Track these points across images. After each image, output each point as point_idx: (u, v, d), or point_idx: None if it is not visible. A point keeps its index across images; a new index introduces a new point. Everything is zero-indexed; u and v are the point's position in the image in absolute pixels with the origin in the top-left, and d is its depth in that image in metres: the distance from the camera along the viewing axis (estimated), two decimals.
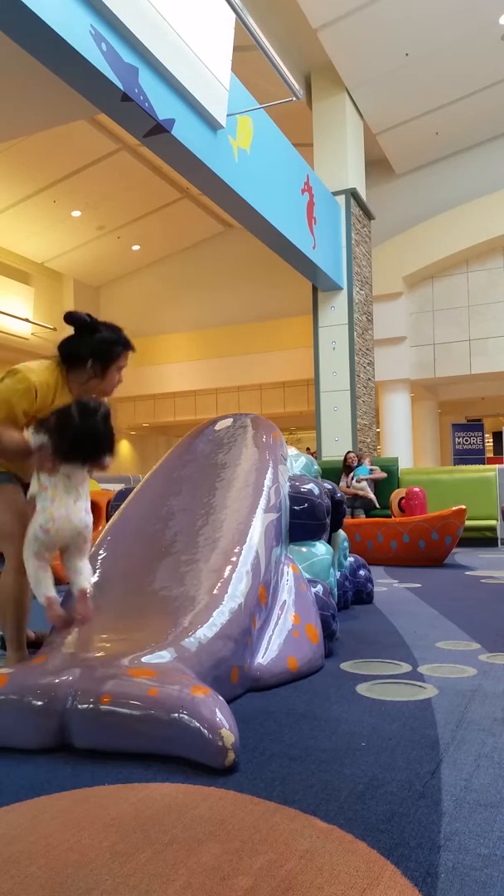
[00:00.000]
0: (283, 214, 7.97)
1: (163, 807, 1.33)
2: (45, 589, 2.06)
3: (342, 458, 8.34)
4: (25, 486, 2.33)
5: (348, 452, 8.26)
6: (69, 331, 2.34)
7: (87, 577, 2.12)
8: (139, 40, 5.15)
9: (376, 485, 7.94)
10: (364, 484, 7.79)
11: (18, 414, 2.19)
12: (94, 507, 5.22)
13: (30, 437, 2.11)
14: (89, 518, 2.15)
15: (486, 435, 15.34)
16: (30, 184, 12.16)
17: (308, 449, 10.58)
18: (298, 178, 8.57)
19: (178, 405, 16.26)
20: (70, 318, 2.29)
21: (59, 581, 2.81)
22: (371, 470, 7.88)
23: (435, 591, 4.32)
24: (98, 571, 2.40)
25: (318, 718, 1.86)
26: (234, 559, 2.29)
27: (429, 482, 7.53)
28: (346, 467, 8.06)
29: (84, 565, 2.14)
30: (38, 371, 2.23)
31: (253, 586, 2.24)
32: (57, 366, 2.29)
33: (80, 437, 2.06)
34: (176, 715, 1.56)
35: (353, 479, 7.89)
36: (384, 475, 7.83)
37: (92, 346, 2.27)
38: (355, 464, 8.01)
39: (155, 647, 1.87)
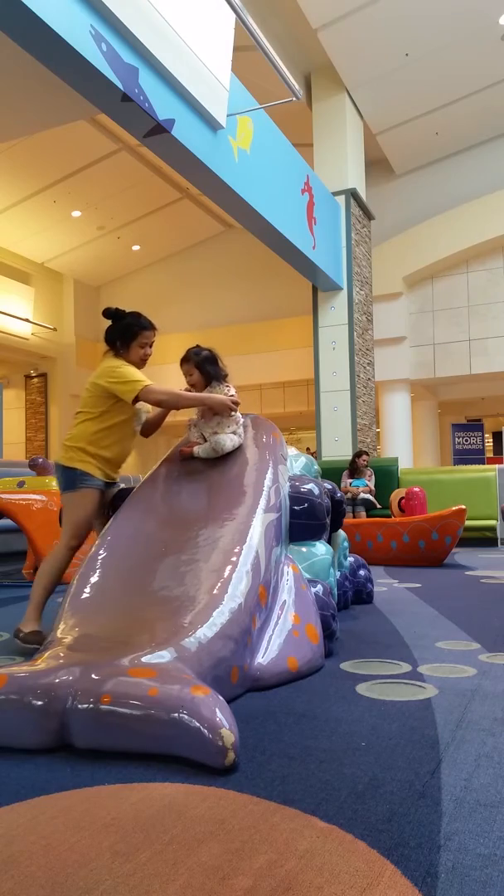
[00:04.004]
0: (283, 214, 7.97)
1: (163, 807, 1.33)
2: None
3: (351, 457, 8.31)
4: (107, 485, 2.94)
5: (362, 454, 8.17)
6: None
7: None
8: (139, 40, 5.14)
9: (376, 485, 7.95)
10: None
11: (146, 379, 2.80)
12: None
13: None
14: None
15: (486, 435, 15.35)
16: (30, 184, 12.16)
17: (308, 449, 10.57)
18: (298, 179, 8.57)
19: None
20: (104, 313, 2.92)
21: (64, 581, 2.87)
22: (367, 483, 7.88)
23: (435, 591, 4.32)
24: (98, 571, 2.40)
25: (318, 718, 1.86)
26: (234, 559, 2.29)
27: (429, 482, 7.53)
28: (354, 467, 8.04)
29: None
30: (117, 360, 2.86)
31: (253, 586, 2.24)
32: (113, 356, 2.89)
33: None
34: (176, 715, 1.56)
35: (350, 483, 7.89)
36: (370, 492, 7.81)
37: (118, 330, 2.90)
38: (363, 466, 8.00)
39: (155, 647, 1.87)
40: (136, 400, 2.78)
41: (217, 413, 2.96)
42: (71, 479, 2.83)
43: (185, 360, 3.04)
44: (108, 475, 2.92)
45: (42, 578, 2.83)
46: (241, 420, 3.05)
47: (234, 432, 2.97)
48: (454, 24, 8.87)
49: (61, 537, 2.86)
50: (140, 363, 2.92)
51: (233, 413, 2.97)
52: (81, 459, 2.83)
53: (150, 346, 2.96)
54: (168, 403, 2.89)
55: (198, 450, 2.96)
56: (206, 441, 2.98)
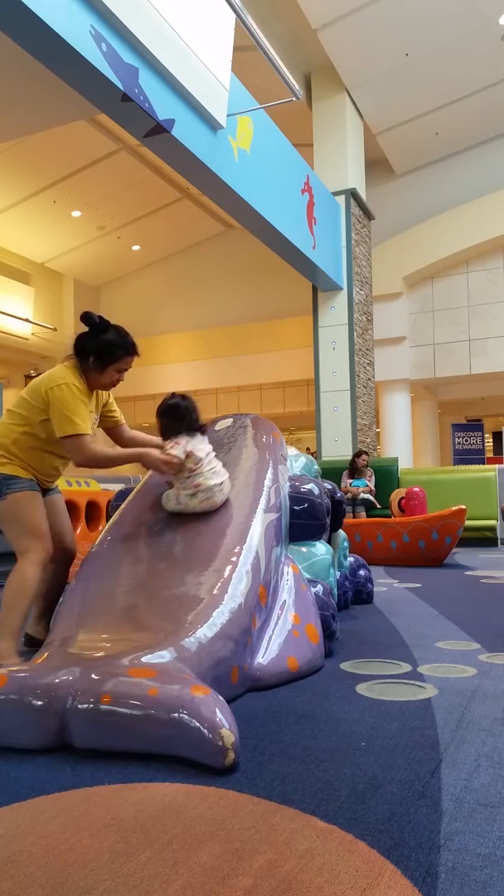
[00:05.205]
0: (283, 214, 7.97)
1: (163, 807, 1.33)
2: None
3: (351, 457, 8.31)
4: (43, 491, 2.64)
5: (361, 454, 8.17)
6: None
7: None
8: (139, 40, 5.14)
9: (376, 485, 7.95)
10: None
11: (86, 424, 2.46)
12: (95, 507, 5.24)
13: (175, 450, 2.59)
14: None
15: (486, 435, 15.34)
16: (30, 184, 12.16)
17: (308, 449, 10.58)
18: (298, 179, 8.57)
19: None
20: (83, 317, 2.56)
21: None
22: (367, 483, 7.89)
23: (435, 591, 4.32)
24: (97, 571, 2.40)
25: (318, 718, 1.86)
26: (234, 559, 2.29)
27: (429, 482, 7.53)
28: (354, 467, 8.05)
29: None
30: (71, 376, 2.49)
31: (253, 586, 2.24)
32: (74, 366, 2.54)
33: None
34: (176, 715, 1.56)
35: (350, 483, 7.89)
36: (370, 492, 7.82)
37: (96, 346, 2.53)
38: (362, 466, 8.01)
39: (155, 646, 1.86)
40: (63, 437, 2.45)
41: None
42: None
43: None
44: (40, 479, 2.57)
45: (14, 605, 2.38)
46: (207, 483, 2.58)
47: (194, 494, 2.57)
48: (454, 24, 8.87)
49: (21, 554, 2.47)
50: (108, 387, 2.63)
51: (176, 473, 2.60)
52: (1, 461, 2.48)
53: (126, 371, 2.65)
54: (92, 466, 2.54)
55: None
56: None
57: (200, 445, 2.67)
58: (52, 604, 2.77)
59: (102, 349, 2.52)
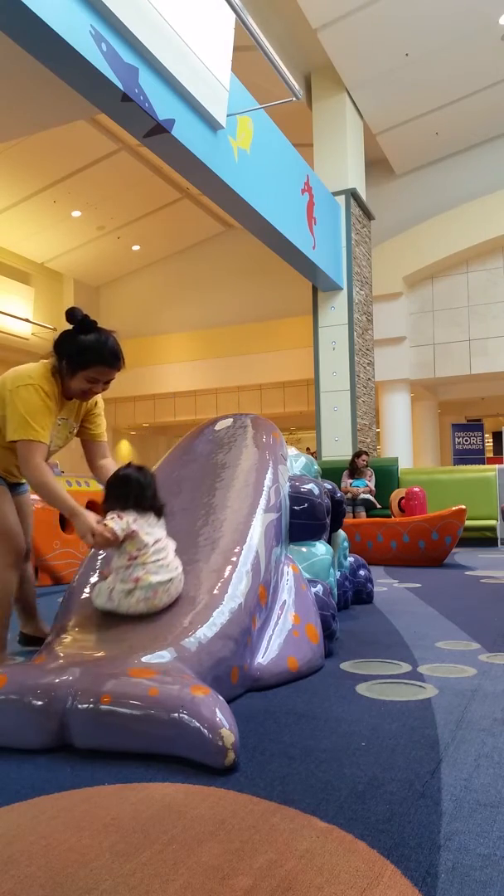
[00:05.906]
0: (283, 214, 7.97)
1: (163, 807, 1.33)
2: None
3: (351, 457, 8.32)
4: (10, 486, 2.49)
5: (361, 454, 8.18)
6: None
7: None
8: (139, 40, 5.15)
9: (376, 485, 7.96)
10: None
11: (45, 432, 2.23)
12: (95, 507, 5.24)
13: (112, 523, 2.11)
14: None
15: (486, 435, 15.34)
16: (30, 184, 12.16)
17: (308, 449, 10.58)
18: (298, 179, 8.57)
19: (178, 405, 16.26)
20: (67, 313, 2.30)
21: (59, 581, 2.84)
22: (367, 483, 7.90)
23: (435, 591, 4.32)
24: (98, 572, 2.40)
25: (318, 718, 1.86)
26: (234, 559, 2.29)
27: (429, 482, 7.54)
28: (354, 467, 8.05)
29: None
30: (41, 376, 2.28)
31: (253, 586, 2.24)
32: (50, 365, 2.32)
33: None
34: (176, 715, 1.56)
35: (350, 484, 7.90)
36: (370, 493, 7.83)
37: (70, 346, 2.26)
38: (362, 466, 8.02)
39: (155, 647, 1.87)
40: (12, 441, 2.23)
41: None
42: None
43: None
44: (3, 475, 2.41)
45: None
46: (149, 579, 2.07)
47: (131, 592, 2.06)
48: (454, 24, 8.87)
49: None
50: (80, 396, 2.34)
51: (103, 548, 2.22)
52: None
53: (105, 384, 2.32)
54: (28, 482, 2.28)
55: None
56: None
57: (150, 529, 2.15)
58: (30, 601, 2.74)
59: (74, 351, 2.23)
